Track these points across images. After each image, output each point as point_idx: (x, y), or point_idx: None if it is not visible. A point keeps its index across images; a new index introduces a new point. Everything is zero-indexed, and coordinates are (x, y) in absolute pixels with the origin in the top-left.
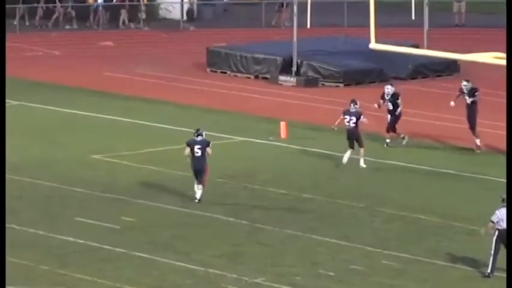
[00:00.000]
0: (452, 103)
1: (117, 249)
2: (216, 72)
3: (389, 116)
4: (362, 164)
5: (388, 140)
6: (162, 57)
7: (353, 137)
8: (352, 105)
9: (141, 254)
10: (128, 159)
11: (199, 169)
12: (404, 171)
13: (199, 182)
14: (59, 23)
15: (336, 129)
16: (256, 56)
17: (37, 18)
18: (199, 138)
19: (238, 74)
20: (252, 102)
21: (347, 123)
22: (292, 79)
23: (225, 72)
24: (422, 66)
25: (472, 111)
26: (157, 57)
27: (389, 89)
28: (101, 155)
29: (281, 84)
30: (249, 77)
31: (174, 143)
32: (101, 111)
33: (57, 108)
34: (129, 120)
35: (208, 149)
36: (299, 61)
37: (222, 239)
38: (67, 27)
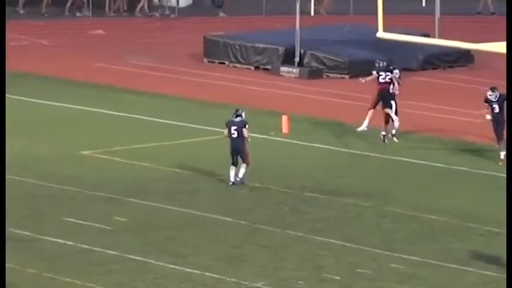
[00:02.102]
0: (488, 117)
1: (109, 252)
2: (213, 62)
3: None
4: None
5: (383, 133)
6: (156, 47)
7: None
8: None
9: (134, 257)
10: (120, 155)
11: (235, 149)
12: (414, 169)
13: (235, 164)
14: (73, 10)
15: (363, 81)
16: (256, 45)
17: (43, 5)
18: (238, 119)
19: (238, 65)
20: (251, 95)
21: (382, 80)
22: (294, 70)
23: (224, 63)
24: (434, 57)
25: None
26: (151, 47)
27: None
28: (91, 151)
29: (283, 75)
30: (249, 68)
31: (169, 138)
32: (90, 105)
33: (44, 101)
34: (121, 114)
35: (245, 131)
36: (302, 51)
37: (220, 240)
38: (78, 14)
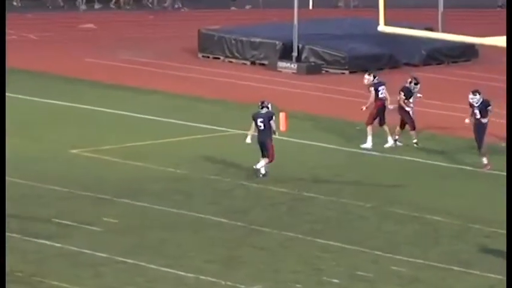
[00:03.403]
0: (467, 120)
1: (99, 254)
2: (208, 57)
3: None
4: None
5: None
6: (149, 42)
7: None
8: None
9: (125, 259)
10: (111, 154)
11: (261, 143)
12: (417, 168)
13: (264, 156)
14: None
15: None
16: (252, 39)
17: None
18: (264, 110)
19: (233, 60)
20: (247, 91)
21: (381, 95)
22: (292, 65)
23: (218, 58)
24: (437, 52)
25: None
26: (144, 42)
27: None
28: (81, 150)
29: (280, 71)
30: (245, 63)
31: (162, 136)
32: (80, 101)
33: (32, 98)
34: (112, 111)
35: (272, 123)
36: (300, 45)
37: (215, 242)
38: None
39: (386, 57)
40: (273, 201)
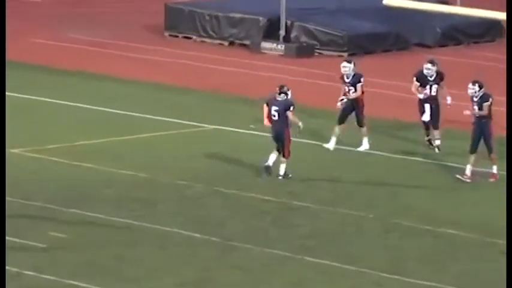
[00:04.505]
0: (467, 112)
1: (43, 276)
2: (177, 37)
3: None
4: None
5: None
6: (105, 18)
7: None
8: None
9: (75, 282)
10: (59, 154)
11: (275, 136)
12: (428, 171)
13: (278, 151)
14: None
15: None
16: (231, 15)
17: None
18: (281, 97)
19: (208, 40)
20: (226, 78)
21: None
22: (279, 47)
23: (190, 38)
24: (455, 30)
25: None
26: (98, 18)
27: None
28: (22, 149)
29: (265, 53)
30: (222, 44)
31: (120, 133)
32: (22, 90)
33: None
34: (60, 101)
35: (289, 113)
36: (289, 22)
37: (184, 261)
38: None
39: (393, 36)
40: (255, 211)
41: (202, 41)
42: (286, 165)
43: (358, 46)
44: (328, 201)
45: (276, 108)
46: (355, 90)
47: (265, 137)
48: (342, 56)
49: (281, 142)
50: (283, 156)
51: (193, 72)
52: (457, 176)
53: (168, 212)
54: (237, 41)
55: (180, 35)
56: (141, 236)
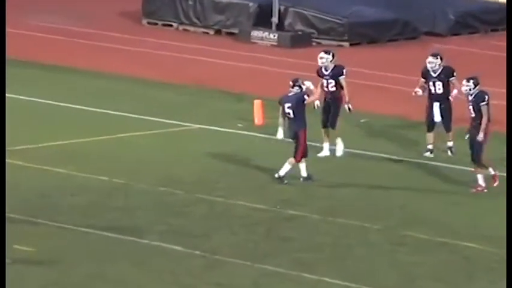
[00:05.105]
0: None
1: None
2: (156, 24)
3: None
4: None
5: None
6: (75, 3)
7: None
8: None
9: None
10: (24, 157)
11: (291, 137)
12: (441, 176)
13: (305, 155)
14: None
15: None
16: (217, 0)
17: None
18: (294, 90)
19: (191, 28)
20: (211, 71)
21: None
22: (272, 36)
23: (170, 25)
24: (470, 16)
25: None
26: (68, 3)
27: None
28: None
29: (255, 42)
30: (207, 32)
31: (93, 133)
32: None
33: None
34: (25, 97)
35: (307, 98)
36: (282, 8)
37: (165, 278)
38: None
39: (400, 24)
40: (245, 222)
41: (185, 29)
42: (289, 169)
43: (361, 35)
44: (326, 211)
45: (289, 104)
46: (335, 84)
47: (255, 137)
48: (342, 46)
49: (297, 139)
50: (293, 157)
51: (174, 64)
52: (473, 190)
53: (147, 222)
54: (224, 30)
55: (160, 23)
56: (116, 249)
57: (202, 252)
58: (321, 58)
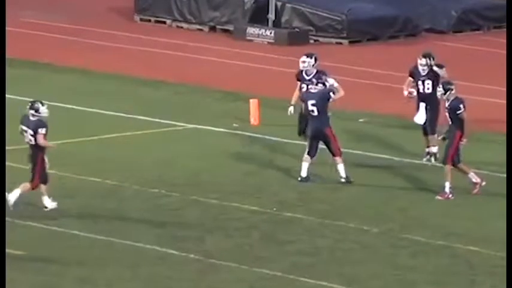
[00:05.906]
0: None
1: None
2: (149, 21)
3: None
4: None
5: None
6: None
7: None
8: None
9: None
10: (11, 157)
11: (314, 135)
12: (442, 177)
13: (313, 154)
14: None
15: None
16: None
17: None
18: (318, 87)
19: (185, 25)
20: (206, 69)
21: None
22: (268, 33)
23: (164, 22)
24: (472, 13)
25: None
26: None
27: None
28: None
29: (251, 40)
30: (202, 29)
31: (82, 133)
32: None
33: None
34: (12, 96)
35: (333, 96)
36: (279, 4)
37: (158, 282)
38: None
39: (401, 21)
40: (240, 225)
41: (179, 26)
42: (344, 166)
43: (360, 32)
44: (325, 213)
45: (313, 101)
46: None
47: (252, 138)
48: (341, 43)
49: (325, 142)
50: (334, 155)
51: (167, 62)
52: (474, 192)
53: (140, 226)
54: (219, 26)
55: (153, 19)
56: (108, 253)
57: (197, 255)
58: (303, 62)
